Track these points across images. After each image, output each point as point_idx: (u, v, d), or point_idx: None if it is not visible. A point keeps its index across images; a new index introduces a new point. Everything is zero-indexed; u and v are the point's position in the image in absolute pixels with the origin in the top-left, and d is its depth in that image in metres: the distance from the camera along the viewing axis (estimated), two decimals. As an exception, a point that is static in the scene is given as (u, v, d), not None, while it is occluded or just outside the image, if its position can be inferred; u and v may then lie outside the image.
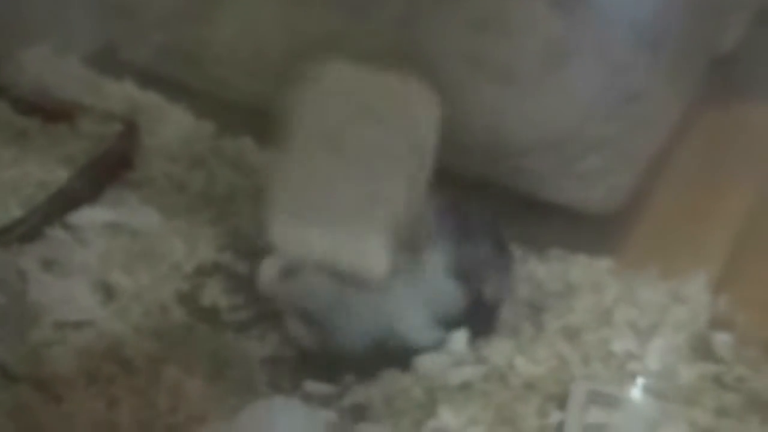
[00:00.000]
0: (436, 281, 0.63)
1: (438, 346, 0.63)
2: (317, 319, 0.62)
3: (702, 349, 0.63)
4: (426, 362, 0.61)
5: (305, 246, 0.61)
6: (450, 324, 0.63)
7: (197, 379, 0.61)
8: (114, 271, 0.69)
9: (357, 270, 0.60)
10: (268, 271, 0.63)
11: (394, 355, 0.62)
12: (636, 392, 0.60)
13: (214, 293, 0.69)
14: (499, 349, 0.62)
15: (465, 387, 0.60)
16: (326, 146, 0.63)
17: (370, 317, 0.62)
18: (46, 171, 0.76)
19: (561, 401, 0.59)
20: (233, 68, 0.88)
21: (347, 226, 0.61)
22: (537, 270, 0.69)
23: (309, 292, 0.62)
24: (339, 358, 0.62)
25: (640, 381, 0.61)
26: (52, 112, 0.81)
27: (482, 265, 0.64)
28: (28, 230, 0.71)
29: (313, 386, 0.62)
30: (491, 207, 0.69)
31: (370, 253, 0.60)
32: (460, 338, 0.63)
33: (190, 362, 0.63)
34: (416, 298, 0.62)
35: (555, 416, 0.58)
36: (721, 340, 0.62)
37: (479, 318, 0.64)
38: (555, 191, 0.76)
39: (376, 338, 0.62)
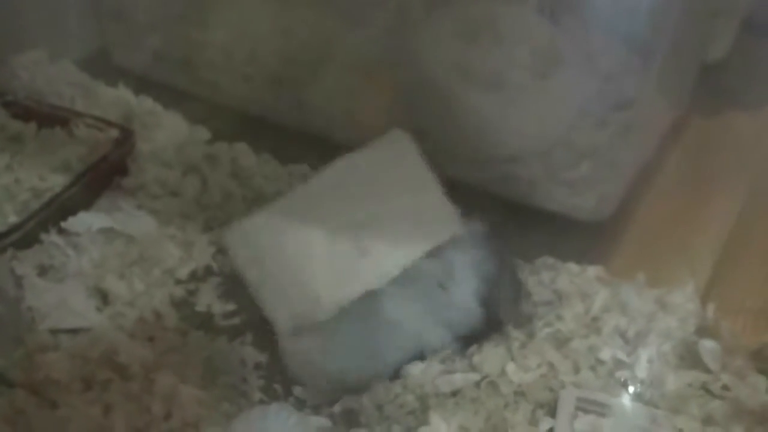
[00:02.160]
0: (461, 304, 0.64)
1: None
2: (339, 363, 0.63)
3: (689, 357, 0.63)
4: (417, 370, 0.62)
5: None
6: (465, 340, 0.64)
7: (191, 386, 0.62)
8: (109, 276, 0.70)
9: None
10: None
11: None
12: (624, 399, 0.61)
13: (208, 299, 0.70)
14: (489, 357, 0.63)
15: (456, 394, 0.61)
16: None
17: (394, 348, 0.63)
18: (40, 177, 0.76)
19: (551, 408, 0.60)
20: (227, 72, 0.89)
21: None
22: (527, 278, 0.70)
23: (332, 343, 0.63)
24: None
25: (628, 388, 0.62)
26: (48, 118, 0.81)
27: (501, 291, 0.66)
28: (23, 236, 0.71)
29: (304, 392, 0.63)
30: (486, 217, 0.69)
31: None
32: None
33: (185, 368, 0.63)
34: (437, 321, 0.64)
35: (545, 423, 0.59)
36: (708, 348, 0.63)
37: (489, 332, 0.66)
38: (545, 199, 0.77)
39: (398, 365, 0.63)
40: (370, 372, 0.63)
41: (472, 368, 0.62)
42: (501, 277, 0.66)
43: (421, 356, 0.63)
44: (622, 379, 0.62)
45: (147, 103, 0.87)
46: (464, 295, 0.64)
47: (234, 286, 0.71)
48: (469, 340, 0.64)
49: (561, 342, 0.64)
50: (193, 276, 0.72)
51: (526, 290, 0.68)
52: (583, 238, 0.75)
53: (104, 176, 0.77)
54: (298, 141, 0.83)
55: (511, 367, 0.62)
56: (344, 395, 0.62)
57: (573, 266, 0.71)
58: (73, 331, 0.66)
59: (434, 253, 0.64)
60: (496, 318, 0.65)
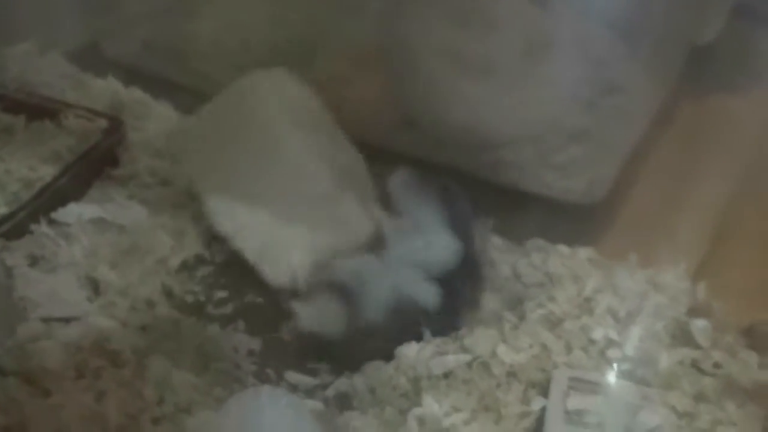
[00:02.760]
0: (432, 241, 0.65)
1: (441, 305, 0.64)
2: (349, 299, 0.64)
3: (680, 336, 0.64)
4: (409, 352, 0.62)
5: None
6: (448, 281, 0.64)
7: (184, 371, 0.62)
8: (100, 266, 0.70)
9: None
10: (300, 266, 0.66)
11: (409, 322, 0.64)
12: (616, 378, 0.61)
13: (199, 287, 0.70)
14: (481, 339, 0.63)
15: (448, 376, 0.61)
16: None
17: (386, 288, 0.64)
18: (30, 167, 0.76)
19: (543, 388, 0.60)
20: (217, 62, 0.89)
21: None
22: (518, 260, 0.70)
23: (341, 275, 0.64)
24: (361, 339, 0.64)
25: (620, 367, 0.62)
26: (37, 109, 0.81)
27: (469, 222, 0.67)
28: (14, 227, 0.71)
29: (296, 377, 0.63)
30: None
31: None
32: None
33: (177, 355, 0.63)
34: (416, 260, 0.64)
35: (537, 403, 0.59)
36: (699, 326, 0.63)
37: (472, 274, 0.66)
38: (536, 183, 0.77)
39: (393, 307, 0.63)
40: (350, 323, 0.64)
41: (464, 350, 0.62)
42: (462, 205, 0.67)
43: (406, 306, 0.64)
44: (614, 359, 0.62)
45: (137, 93, 0.87)
46: (431, 231, 0.65)
47: (225, 273, 0.71)
48: (452, 283, 0.65)
49: (553, 323, 0.64)
50: (185, 265, 0.72)
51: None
52: (575, 221, 0.75)
53: (94, 166, 0.77)
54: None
55: (502, 349, 0.62)
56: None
57: (564, 248, 0.71)
58: (65, 320, 0.66)
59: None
60: (470, 248, 0.65)
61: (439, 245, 0.64)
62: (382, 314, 0.63)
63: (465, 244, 0.65)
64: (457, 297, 0.65)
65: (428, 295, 0.64)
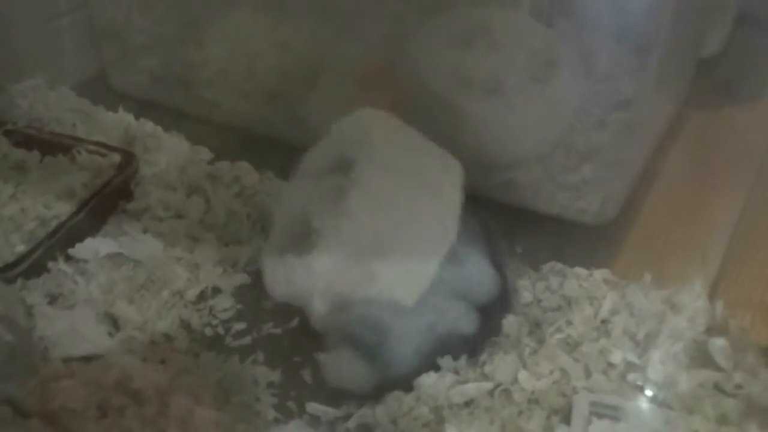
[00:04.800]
0: (477, 274, 0.65)
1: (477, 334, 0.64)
2: (376, 348, 0.63)
3: (700, 357, 0.63)
4: (429, 382, 0.62)
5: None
6: (485, 309, 0.65)
7: (206, 407, 0.62)
8: (118, 301, 0.70)
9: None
10: (320, 306, 0.64)
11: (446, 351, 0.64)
12: (637, 402, 0.61)
13: (217, 319, 0.70)
14: (502, 365, 0.63)
15: (470, 404, 0.61)
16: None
17: (422, 329, 0.63)
18: (46, 205, 0.76)
19: (565, 414, 0.60)
20: (225, 90, 0.89)
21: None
22: (535, 284, 0.70)
23: (364, 321, 0.63)
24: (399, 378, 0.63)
25: (641, 391, 0.62)
26: (50, 145, 0.81)
27: (505, 257, 0.67)
28: (32, 265, 0.71)
29: (318, 408, 0.63)
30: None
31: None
32: None
33: (198, 390, 0.63)
34: (459, 289, 0.64)
35: (560, 430, 0.59)
36: (719, 346, 0.63)
37: (506, 306, 0.67)
38: (549, 203, 0.77)
39: (429, 351, 0.63)
40: (396, 361, 0.63)
41: (485, 377, 0.63)
42: (500, 241, 0.68)
43: (445, 341, 0.63)
44: (635, 382, 0.62)
45: (147, 125, 0.87)
46: (475, 262, 0.65)
47: (242, 304, 0.71)
48: (489, 311, 0.65)
49: (572, 347, 0.65)
50: (202, 297, 0.72)
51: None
52: (589, 241, 0.75)
53: (109, 201, 0.77)
54: (300, 156, 0.83)
55: (523, 375, 0.62)
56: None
57: (580, 270, 0.71)
58: (86, 359, 0.66)
59: None
60: (507, 281, 0.66)
61: (481, 275, 0.64)
62: (416, 363, 0.63)
63: (502, 277, 0.65)
64: (491, 326, 0.65)
65: (470, 325, 0.64)
